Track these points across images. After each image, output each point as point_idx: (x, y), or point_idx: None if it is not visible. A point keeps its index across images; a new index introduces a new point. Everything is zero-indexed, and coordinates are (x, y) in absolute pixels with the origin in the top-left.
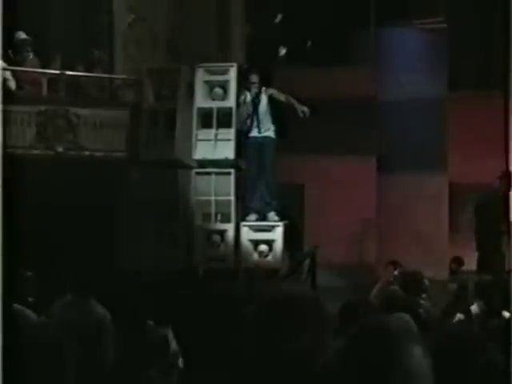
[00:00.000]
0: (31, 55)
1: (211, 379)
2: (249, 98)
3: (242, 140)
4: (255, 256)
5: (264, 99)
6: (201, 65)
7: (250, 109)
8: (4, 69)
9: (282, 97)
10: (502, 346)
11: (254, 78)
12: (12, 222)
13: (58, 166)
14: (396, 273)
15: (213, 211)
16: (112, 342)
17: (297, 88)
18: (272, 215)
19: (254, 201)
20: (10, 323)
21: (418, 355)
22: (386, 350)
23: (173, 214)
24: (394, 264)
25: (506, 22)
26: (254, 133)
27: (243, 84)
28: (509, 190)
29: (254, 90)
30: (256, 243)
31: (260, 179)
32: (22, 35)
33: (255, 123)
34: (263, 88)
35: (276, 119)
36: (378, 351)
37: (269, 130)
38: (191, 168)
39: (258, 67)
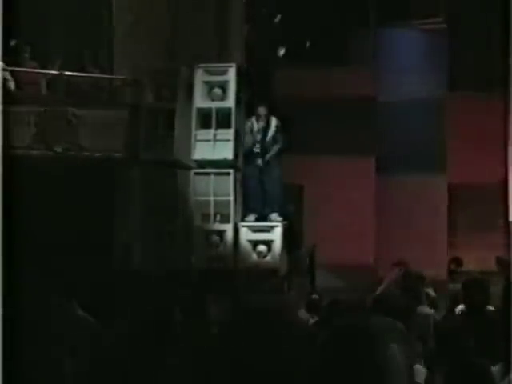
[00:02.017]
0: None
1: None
2: (256, 127)
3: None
4: (254, 256)
5: (272, 129)
6: (200, 65)
7: (257, 138)
8: (3, 69)
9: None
10: (486, 344)
11: (263, 111)
12: (11, 221)
13: (57, 167)
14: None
15: (212, 211)
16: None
17: (296, 88)
18: (275, 216)
19: (254, 201)
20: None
21: (393, 355)
22: (360, 350)
23: (172, 214)
24: (399, 265)
25: (505, 22)
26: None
27: (250, 112)
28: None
29: (262, 123)
30: (255, 244)
31: (264, 179)
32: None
33: (260, 150)
34: (271, 118)
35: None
36: (352, 350)
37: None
38: (190, 168)
39: (258, 67)
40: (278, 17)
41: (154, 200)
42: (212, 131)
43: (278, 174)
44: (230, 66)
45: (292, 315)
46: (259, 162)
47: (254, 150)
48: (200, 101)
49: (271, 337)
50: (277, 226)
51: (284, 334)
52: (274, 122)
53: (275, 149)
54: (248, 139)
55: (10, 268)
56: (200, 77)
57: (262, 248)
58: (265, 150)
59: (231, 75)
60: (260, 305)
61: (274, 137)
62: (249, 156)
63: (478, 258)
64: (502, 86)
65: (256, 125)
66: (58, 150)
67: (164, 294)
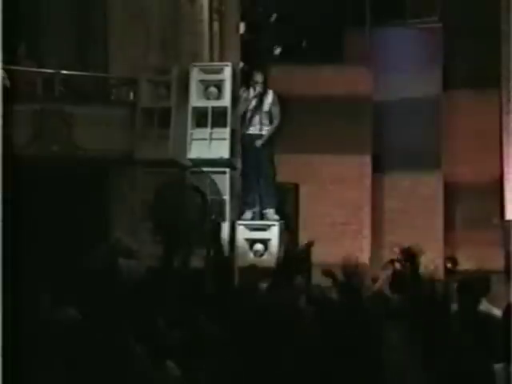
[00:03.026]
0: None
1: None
2: (252, 93)
3: (238, 138)
4: (250, 255)
5: (269, 98)
6: (195, 64)
7: (252, 105)
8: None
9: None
10: (479, 345)
11: (260, 78)
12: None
13: (53, 166)
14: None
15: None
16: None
17: (291, 87)
18: (271, 214)
19: (250, 199)
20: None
21: None
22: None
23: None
24: (393, 263)
25: (500, 21)
26: (253, 130)
27: (247, 82)
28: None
29: (259, 89)
30: (251, 242)
31: (259, 178)
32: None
33: (258, 120)
34: (269, 90)
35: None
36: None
37: (267, 130)
38: (186, 167)
39: (254, 66)
40: (274, 15)
41: (150, 199)
42: (208, 130)
43: (271, 167)
44: (226, 65)
45: (290, 313)
46: (257, 143)
47: (248, 132)
48: (196, 100)
49: (270, 336)
50: (274, 225)
51: (283, 332)
52: (271, 93)
53: (273, 127)
54: (242, 106)
55: (9, 268)
56: (195, 76)
57: (258, 247)
58: (260, 121)
59: (227, 74)
60: (258, 304)
61: (270, 110)
62: (245, 138)
63: (475, 258)
64: (498, 84)
65: (252, 91)
66: (54, 149)
67: (161, 294)
